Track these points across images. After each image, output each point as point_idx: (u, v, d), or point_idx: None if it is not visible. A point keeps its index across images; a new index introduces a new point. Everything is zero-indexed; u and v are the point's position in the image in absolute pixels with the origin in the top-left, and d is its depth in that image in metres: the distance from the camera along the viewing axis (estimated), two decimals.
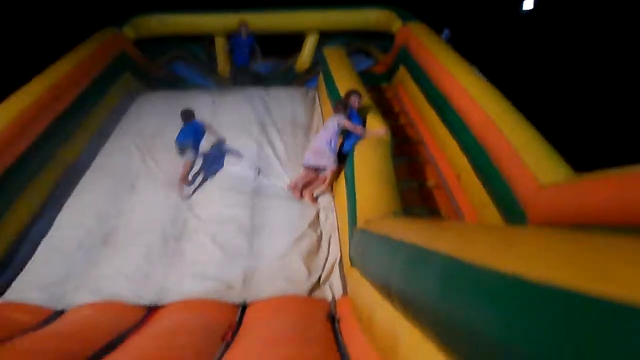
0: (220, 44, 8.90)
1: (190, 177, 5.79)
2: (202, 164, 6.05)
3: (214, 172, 5.96)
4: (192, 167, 5.76)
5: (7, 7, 8.86)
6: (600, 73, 9.86)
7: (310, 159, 5.35)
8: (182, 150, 5.79)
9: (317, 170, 5.40)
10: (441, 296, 1.56)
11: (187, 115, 6.04)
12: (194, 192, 5.70)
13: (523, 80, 9.99)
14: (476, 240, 1.50)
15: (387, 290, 2.54)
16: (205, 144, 6.08)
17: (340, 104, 5.35)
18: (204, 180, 5.86)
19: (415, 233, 2.10)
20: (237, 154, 6.23)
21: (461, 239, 1.62)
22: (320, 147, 5.24)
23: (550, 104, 9.36)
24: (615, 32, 9.79)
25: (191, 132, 5.85)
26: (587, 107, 9.30)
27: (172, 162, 6.10)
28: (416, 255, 1.89)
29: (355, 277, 3.66)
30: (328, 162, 5.21)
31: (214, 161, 6.10)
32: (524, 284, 1.07)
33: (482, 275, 1.26)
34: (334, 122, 5.21)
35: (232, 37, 8.28)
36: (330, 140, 5.17)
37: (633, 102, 8.49)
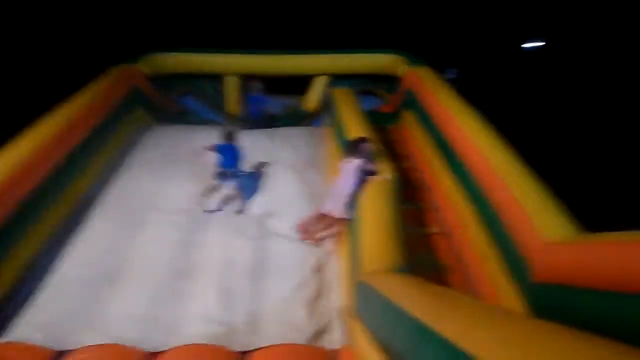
0: (230, 83, 9.10)
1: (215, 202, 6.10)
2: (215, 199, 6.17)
3: (221, 211, 6.03)
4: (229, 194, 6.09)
5: (26, 44, 9.17)
6: (607, 113, 9.96)
7: (328, 204, 5.25)
8: (222, 174, 6.02)
9: (327, 214, 5.42)
10: None
11: (231, 136, 6.25)
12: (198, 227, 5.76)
13: (527, 120, 10.14)
14: (478, 329, 1.53)
15: (387, 353, 2.56)
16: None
17: (353, 148, 5.31)
18: (210, 219, 5.91)
19: (420, 305, 2.13)
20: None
21: (463, 324, 1.65)
22: (338, 193, 5.13)
23: (552, 142, 9.46)
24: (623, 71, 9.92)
25: (234, 155, 6.10)
26: (592, 147, 9.35)
27: (179, 198, 6.21)
28: (419, 332, 1.91)
29: (358, 329, 3.66)
30: (339, 209, 5.14)
31: (224, 199, 6.20)
32: None
33: None
34: (354, 166, 5.07)
35: (246, 93, 8.59)
36: (347, 186, 5.06)
37: None
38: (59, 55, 9.43)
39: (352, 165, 5.09)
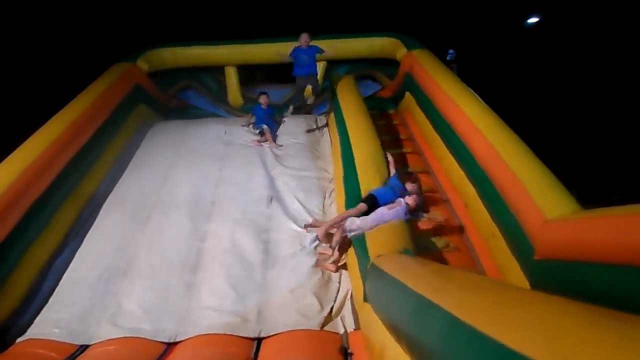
0: (230, 74, 9.13)
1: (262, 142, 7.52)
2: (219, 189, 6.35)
3: (227, 201, 6.10)
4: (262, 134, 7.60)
5: (24, 46, 9.22)
6: (607, 90, 9.93)
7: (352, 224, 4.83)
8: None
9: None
10: (443, 351, 1.68)
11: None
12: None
13: (527, 99, 10.13)
14: (476, 300, 1.62)
15: (396, 332, 2.66)
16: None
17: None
18: (217, 210, 5.99)
19: (423, 282, 2.23)
20: (249, 184, 6.39)
21: (463, 296, 1.74)
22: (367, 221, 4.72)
23: (552, 120, 9.46)
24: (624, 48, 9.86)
25: (268, 113, 7.85)
26: (594, 127, 9.36)
27: (185, 190, 6.29)
28: (422, 306, 2.01)
29: (368, 312, 3.76)
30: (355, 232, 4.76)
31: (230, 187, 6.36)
32: (514, 355, 1.19)
33: (479, 340, 1.38)
34: (400, 207, 4.79)
35: (294, 50, 8.09)
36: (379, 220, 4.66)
37: None
38: (54, 54, 9.46)
39: (399, 206, 4.84)
